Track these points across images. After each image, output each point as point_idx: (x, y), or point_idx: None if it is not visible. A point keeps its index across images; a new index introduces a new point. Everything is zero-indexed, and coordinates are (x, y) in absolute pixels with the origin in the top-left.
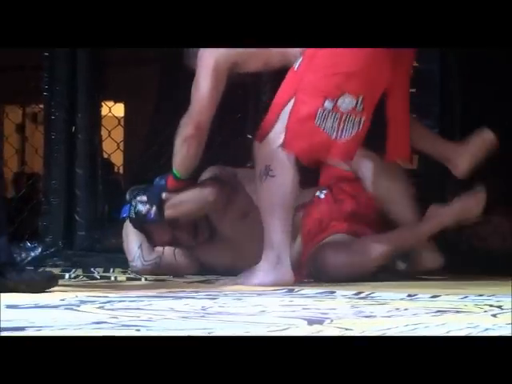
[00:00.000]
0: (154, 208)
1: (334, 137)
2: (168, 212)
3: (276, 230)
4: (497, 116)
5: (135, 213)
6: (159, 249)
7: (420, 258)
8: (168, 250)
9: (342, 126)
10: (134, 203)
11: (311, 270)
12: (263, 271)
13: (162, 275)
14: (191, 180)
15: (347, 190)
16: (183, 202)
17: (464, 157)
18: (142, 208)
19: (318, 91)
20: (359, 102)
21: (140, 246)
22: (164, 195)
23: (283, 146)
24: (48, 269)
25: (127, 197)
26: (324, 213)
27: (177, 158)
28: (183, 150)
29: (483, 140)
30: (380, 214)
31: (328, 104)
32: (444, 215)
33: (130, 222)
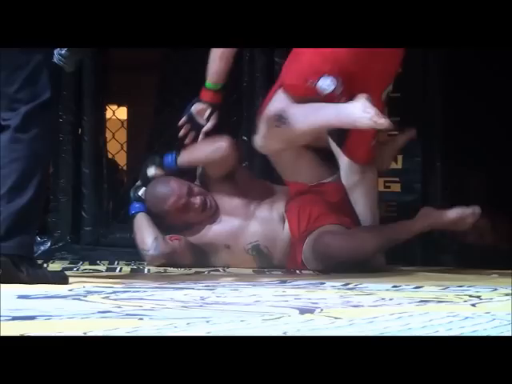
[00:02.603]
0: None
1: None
2: (183, 157)
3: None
4: (479, 118)
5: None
6: (173, 243)
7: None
8: (178, 244)
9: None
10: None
11: (309, 257)
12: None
13: (171, 266)
14: (222, 92)
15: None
16: (198, 147)
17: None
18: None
19: (304, 73)
20: (338, 84)
21: (156, 239)
22: (195, 106)
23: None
24: (57, 261)
25: (131, 195)
26: (310, 204)
27: (209, 66)
28: (216, 53)
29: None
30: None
31: (310, 84)
32: (437, 218)
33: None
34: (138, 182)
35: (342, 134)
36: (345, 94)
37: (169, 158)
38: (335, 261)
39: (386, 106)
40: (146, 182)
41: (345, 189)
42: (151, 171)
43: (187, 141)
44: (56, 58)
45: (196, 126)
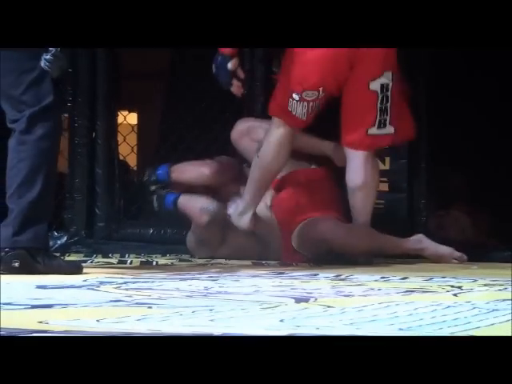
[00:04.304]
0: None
1: (304, 119)
2: (174, 175)
3: (251, 188)
4: (461, 121)
5: None
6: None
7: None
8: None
9: (310, 112)
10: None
11: (300, 242)
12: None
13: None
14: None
15: (314, 180)
16: (186, 170)
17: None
18: None
19: (289, 84)
20: (320, 92)
21: (209, 198)
22: (230, 63)
23: (269, 111)
24: (72, 255)
25: (160, 193)
26: (292, 197)
27: None
28: None
29: None
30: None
31: (296, 96)
32: (428, 247)
33: None
34: (153, 187)
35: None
36: (325, 96)
37: (163, 173)
38: (327, 246)
39: (385, 98)
40: (151, 193)
41: (326, 178)
42: (152, 188)
43: (239, 94)
44: (42, 63)
45: (240, 79)
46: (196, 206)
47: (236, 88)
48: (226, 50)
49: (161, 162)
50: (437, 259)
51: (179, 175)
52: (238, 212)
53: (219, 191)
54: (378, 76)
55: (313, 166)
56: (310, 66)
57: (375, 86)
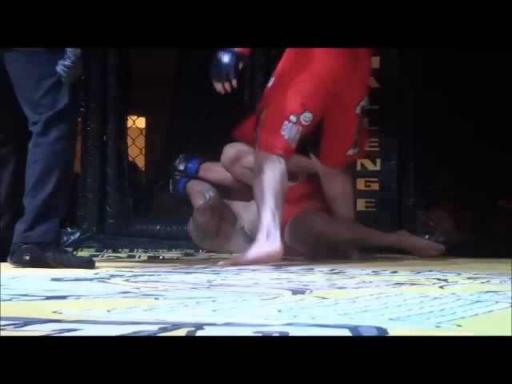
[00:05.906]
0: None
1: (292, 146)
2: (202, 172)
3: (265, 212)
4: (448, 126)
5: None
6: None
7: (346, 251)
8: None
9: (298, 139)
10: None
11: (291, 236)
12: (256, 247)
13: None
14: None
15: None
16: (215, 171)
17: None
18: None
19: (286, 106)
20: (313, 118)
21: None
22: (241, 63)
23: (259, 147)
24: (85, 249)
25: (177, 175)
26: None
27: None
28: None
29: None
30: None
31: (293, 118)
32: (410, 240)
33: None
34: (177, 174)
35: (316, 142)
36: (309, 127)
37: (192, 167)
38: (315, 236)
39: (364, 118)
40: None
41: (313, 189)
42: (176, 174)
43: (222, 91)
44: (59, 68)
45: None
46: (197, 189)
47: (226, 86)
48: (245, 50)
49: (167, 166)
50: (417, 251)
51: (207, 173)
52: (263, 241)
53: (242, 195)
54: (361, 100)
55: (298, 182)
56: (310, 88)
57: (358, 109)
